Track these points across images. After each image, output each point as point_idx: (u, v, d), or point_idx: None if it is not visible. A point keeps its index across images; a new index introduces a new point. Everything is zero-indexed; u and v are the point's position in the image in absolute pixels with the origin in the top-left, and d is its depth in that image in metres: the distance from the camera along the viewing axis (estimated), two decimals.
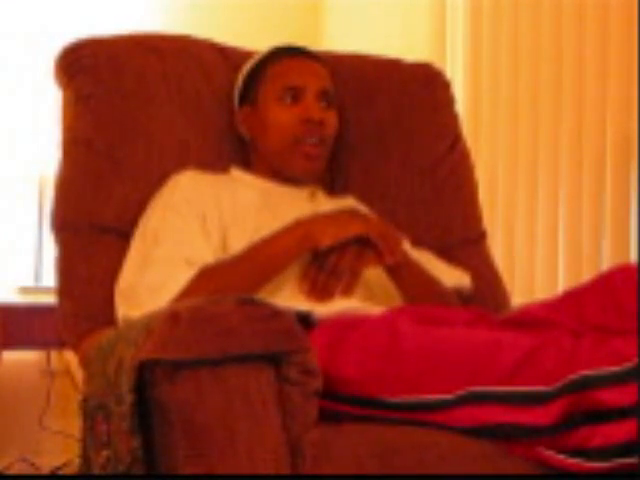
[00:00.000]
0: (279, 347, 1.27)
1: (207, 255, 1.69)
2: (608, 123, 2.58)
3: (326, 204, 1.91)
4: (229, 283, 1.65)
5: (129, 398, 1.28)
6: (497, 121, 2.91)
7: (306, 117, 1.82)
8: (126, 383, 1.28)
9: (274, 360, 1.28)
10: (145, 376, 1.28)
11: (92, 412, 1.39)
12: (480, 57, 2.97)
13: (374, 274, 1.81)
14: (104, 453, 1.35)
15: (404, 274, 1.78)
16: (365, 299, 1.74)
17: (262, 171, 1.88)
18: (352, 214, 1.73)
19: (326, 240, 1.67)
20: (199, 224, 1.73)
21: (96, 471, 1.37)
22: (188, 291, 1.63)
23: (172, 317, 1.26)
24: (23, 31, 2.88)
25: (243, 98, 1.92)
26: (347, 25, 3.47)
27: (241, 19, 3.29)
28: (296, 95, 1.85)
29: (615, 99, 2.57)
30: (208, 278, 1.65)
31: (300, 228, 1.69)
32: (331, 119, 1.88)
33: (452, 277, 1.91)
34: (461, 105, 2.58)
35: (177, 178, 1.80)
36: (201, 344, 1.24)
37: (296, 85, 1.85)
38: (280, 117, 1.84)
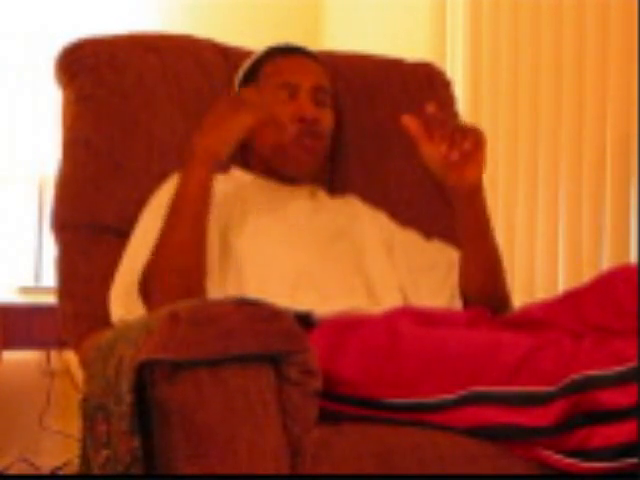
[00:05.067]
0: (279, 347, 1.27)
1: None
2: (608, 123, 2.58)
3: (326, 203, 1.91)
4: (172, 245, 1.62)
5: (129, 398, 1.28)
6: (497, 121, 2.90)
7: (299, 116, 1.83)
8: (126, 383, 1.28)
9: (274, 360, 1.28)
10: (145, 376, 1.28)
11: (92, 412, 1.39)
12: (480, 57, 2.97)
13: (377, 273, 1.81)
14: (104, 453, 1.35)
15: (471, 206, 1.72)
16: (367, 300, 1.74)
17: (261, 170, 1.88)
18: (234, 105, 1.70)
19: (223, 148, 1.68)
20: None
21: (96, 471, 1.37)
22: (147, 275, 1.63)
23: (172, 317, 1.25)
24: (23, 31, 2.88)
25: None
26: (347, 25, 3.47)
27: (241, 19, 3.29)
28: (290, 92, 1.85)
29: (615, 99, 2.56)
30: (154, 254, 1.63)
31: (193, 156, 1.68)
32: (326, 116, 1.88)
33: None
34: (461, 105, 2.57)
35: (173, 178, 1.80)
36: (201, 344, 1.24)
37: (289, 82, 1.85)
38: (274, 115, 1.84)
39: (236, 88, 1.94)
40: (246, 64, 1.94)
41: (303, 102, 1.84)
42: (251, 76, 1.90)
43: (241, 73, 1.94)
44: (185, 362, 1.24)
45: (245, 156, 1.93)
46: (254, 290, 1.66)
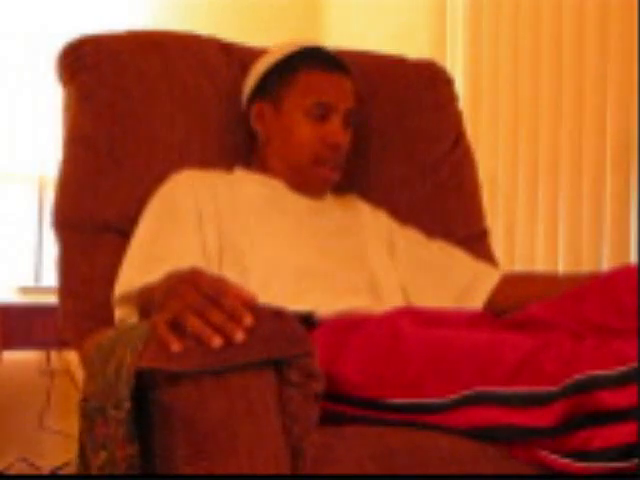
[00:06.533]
0: (282, 353, 1.26)
1: (195, 254, 1.66)
2: (608, 123, 2.58)
3: (329, 201, 1.91)
4: None
5: (127, 405, 1.27)
6: (497, 120, 2.91)
7: (331, 142, 1.82)
8: (125, 389, 1.27)
9: (276, 363, 1.28)
10: (145, 379, 1.27)
11: (91, 413, 1.38)
12: (480, 56, 2.97)
13: (380, 271, 1.81)
14: (102, 455, 1.34)
15: None
16: (370, 297, 1.74)
17: (270, 169, 1.87)
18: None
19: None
20: (192, 223, 1.71)
21: (94, 472, 1.37)
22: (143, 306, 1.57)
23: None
24: (23, 31, 2.88)
25: (261, 92, 1.89)
26: (347, 24, 3.47)
27: (241, 18, 3.29)
28: (325, 113, 1.83)
29: (615, 99, 2.56)
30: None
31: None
32: (348, 139, 1.87)
33: (476, 268, 1.90)
34: (461, 103, 2.57)
35: (174, 178, 1.80)
36: (204, 355, 1.22)
37: (327, 103, 1.83)
38: (305, 134, 1.82)
39: (254, 79, 1.91)
40: (273, 59, 1.89)
41: (337, 127, 1.83)
42: (282, 76, 1.85)
43: (265, 67, 1.89)
44: (186, 372, 1.23)
45: (250, 153, 1.92)
46: (257, 289, 1.65)
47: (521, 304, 1.68)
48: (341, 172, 1.88)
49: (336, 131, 1.82)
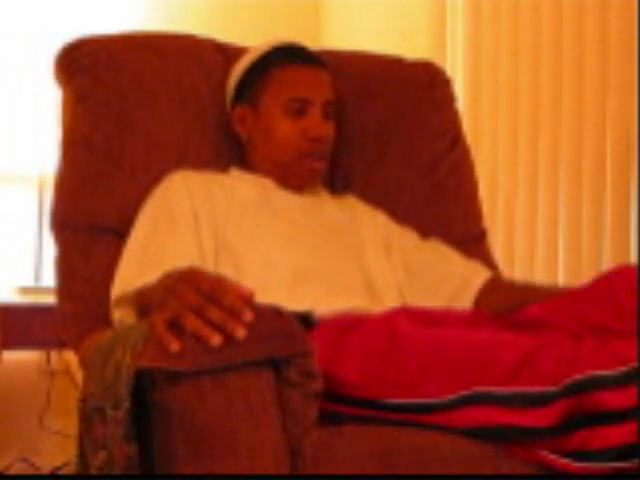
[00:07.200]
0: (281, 352, 1.26)
1: (191, 255, 1.66)
2: (608, 123, 2.58)
3: (326, 201, 1.91)
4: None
5: (126, 405, 1.27)
6: (497, 120, 2.90)
7: (312, 135, 1.82)
8: (124, 389, 1.27)
9: (275, 362, 1.28)
10: (144, 379, 1.27)
11: (90, 413, 1.39)
12: (480, 56, 2.97)
13: (377, 272, 1.81)
14: (101, 455, 1.34)
15: None
16: (368, 297, 1.74)
17: (261, 170, 1.88)
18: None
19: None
20: (188, 224, 1.71)
21: (93, 472, 1.37)
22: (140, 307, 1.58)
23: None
24: (23, 31, 2.88)
25: (240, 95, 1.90)
26: (347, 25, 3.47)
27: (241, 18, 3.29)
28: (302, 108, 1.83)
29: (615, 99, 2.56)
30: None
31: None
32: (331, 130, 1.87)
33: (466, 268, 1.90)
34: (461, 104, 2.57)
35: (169, 178, 1.80)
36: (203, 354, 1.22)
37: (304, 97, 1.83)
38: (285, 131, 1.82)
39: (233, 83, 1.92)
40: (248, 61, 1.91)
41: (316, 120, 1.83)
42: (257, 77, 1.87)
43: (241, 70, 1.91)
44: (185, 372, 1.23)
45: (245, 155, 1.92)
46: (253, 289, 1.65)
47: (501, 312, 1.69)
48: (327, 162, 1.88)
49: (316, 124, 1.82)
